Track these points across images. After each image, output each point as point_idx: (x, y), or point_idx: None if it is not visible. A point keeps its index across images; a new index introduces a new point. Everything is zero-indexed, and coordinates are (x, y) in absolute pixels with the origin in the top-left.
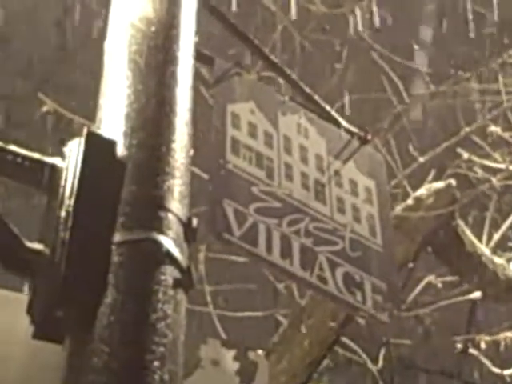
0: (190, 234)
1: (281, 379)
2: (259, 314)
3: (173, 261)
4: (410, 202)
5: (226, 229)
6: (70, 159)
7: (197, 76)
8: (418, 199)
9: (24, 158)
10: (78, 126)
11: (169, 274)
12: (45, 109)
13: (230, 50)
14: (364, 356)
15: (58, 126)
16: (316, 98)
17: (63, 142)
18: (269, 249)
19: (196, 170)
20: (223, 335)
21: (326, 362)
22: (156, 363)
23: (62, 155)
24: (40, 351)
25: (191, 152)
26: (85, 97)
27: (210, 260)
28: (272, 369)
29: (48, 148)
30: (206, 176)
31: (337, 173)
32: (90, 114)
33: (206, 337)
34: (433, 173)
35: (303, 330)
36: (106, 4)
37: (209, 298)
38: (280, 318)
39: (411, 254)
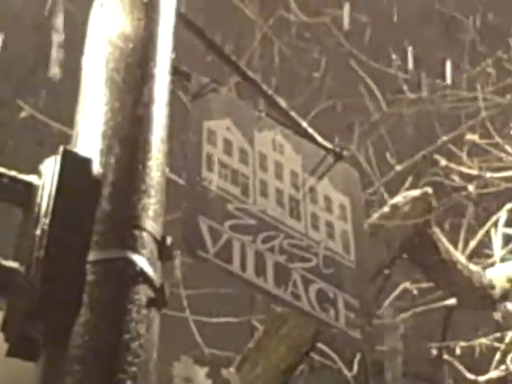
0: (164, 252)
1: None
2: (235, 319)
3: (146, 280)
4: (386, 209)
5: (201, 246)
6: (46, 177)
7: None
8: (394, 207)
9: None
10: (57, 131)
11: (142, 293)
12: (23, 114)
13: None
14: (339, 362)
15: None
16: (292, 114)
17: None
18: (243, 266)
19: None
20: (199, 340)
21: (301, 367)
22: (128, 383)
23: (38, 173)
24: (14, 369)
25: (167, 170)
26: (66, 100)
27: (186, 265)
28: (247, 375)
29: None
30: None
31: (311, 189)
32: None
33: (179, 351)
34: (410, 180)
35: (278, 336)
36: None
37: (185, 303)
38: (256, 324)
39: (387, 261)
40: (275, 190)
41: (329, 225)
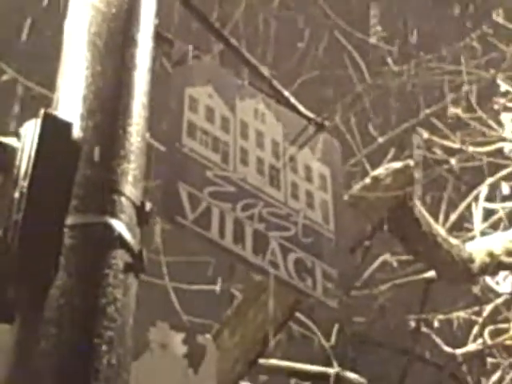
0: (142, 218)
1: (234, 353)
2: (214, 287)
3: (124, 245)
4: (367, 181)
5: (180, 213)
6: (26, 140)
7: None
8: (375, 178)
9: None
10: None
11: (120, 258)
12: (5, 77)
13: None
14: (317, 332)
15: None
16: (275, 82)
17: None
18: (221, 233)
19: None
20: (177, 307)
21: (279, 336)
22: (104, 347)
23: (17, 136)
24: None
25: (147, 136)
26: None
27: (166, 231)
28: (224, 343)
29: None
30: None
31: (292, 159)
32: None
33: (157, 318)
34: (392, 152)
35: (258, 304)
36: None
37: (165, 270)
38: (235, 293)
39: (367, 233)
40: (256, 158)
41: (309, 194)
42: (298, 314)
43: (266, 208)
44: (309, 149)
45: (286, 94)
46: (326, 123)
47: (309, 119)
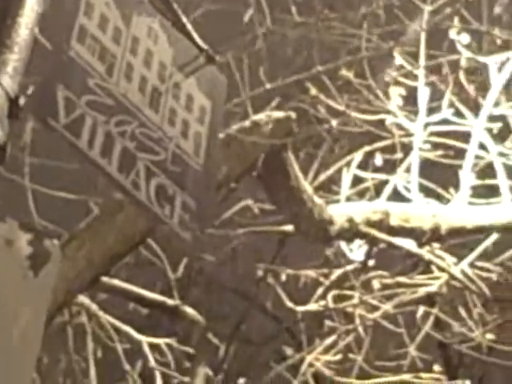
0: (14, 111)
1: (79, 265)
2: (72, 196)
3: None
4: (247, 124)
5: (53, 114)
6: None
7: None
8: (255, 123)
9: None
10: None
11: None
12: None
13: None
14: (165, 261)
15: None
16: (175, 6)
17: None
18: (90, 143)
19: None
20: (32, 208)
21: (127, 259)
22: None
23: None
24: None
25: (36, 31)
26: None
27: (37, 132)
28: (72, 253)
29: None
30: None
31: (176, 85)
32: None
33: (7, 213)
34: (276, 101)
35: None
36: None
37: (26, 169)
38: (92, 206)
39: (235, 175)
40: (140, 76)
41: (185, 124)
42: (150, 241)
43: (139, 128)
44: (195, 79)
45: (184, 19)
46: (218, 57)
47: (201, 49)
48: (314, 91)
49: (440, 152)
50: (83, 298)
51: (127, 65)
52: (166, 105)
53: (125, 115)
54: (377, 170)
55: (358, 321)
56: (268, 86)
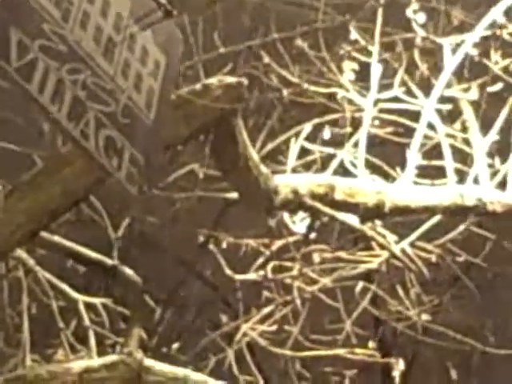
0: None
1: (18, 218)
2: (17, 148)
3: None
4: (198, 87)
5: (4, 57)
6: None
7: None
8: (206, 87)
9: None
10: None
11: None
12: None
13: None
14: (106, 220)
15: None
16: None
17: None
18: (41, 89)
19: None
20: None
21: (68, 215)
22: None
23: None
24: None
25: None
26: None
27: None
28: (11, 206)
29: None
30: None
31: (132, 37)
32: None
33: None
34: (229, 66)
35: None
36: None
37: None
38: (36, 159)
39: (182, 138)
40: (96, 25)
41: (138, 77)
42: (93, 199)
43: (92, 77)
44: (151, 33)
45: None
46: (175, 12)
47: (159, 3)
48: (267, 59)
49: (389, 129)
50: (21, 252)
51: (84, 13)
52: (120, 56)
53: (78, 63)
54: (324, 143)
55: (296, 293)
56: (222, 49)
